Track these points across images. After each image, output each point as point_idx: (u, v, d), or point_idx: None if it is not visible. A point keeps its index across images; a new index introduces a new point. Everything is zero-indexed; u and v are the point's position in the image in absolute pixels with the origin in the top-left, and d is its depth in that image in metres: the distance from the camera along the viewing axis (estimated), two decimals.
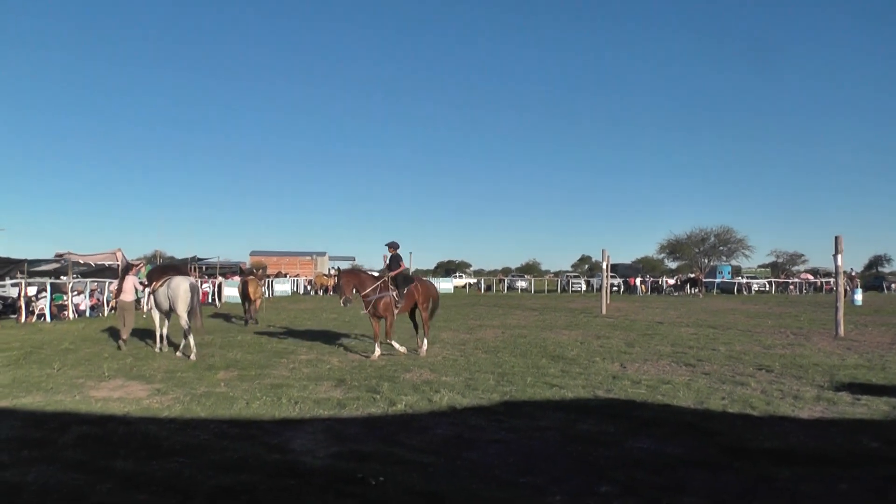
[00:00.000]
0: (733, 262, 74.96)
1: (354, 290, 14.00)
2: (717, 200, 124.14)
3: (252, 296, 23.07)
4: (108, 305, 27.42)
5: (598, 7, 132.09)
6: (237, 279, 40.47)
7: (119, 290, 16.14)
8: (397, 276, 14.36)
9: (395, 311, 14.14)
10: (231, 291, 37.12)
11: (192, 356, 13.38)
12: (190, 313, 14.29)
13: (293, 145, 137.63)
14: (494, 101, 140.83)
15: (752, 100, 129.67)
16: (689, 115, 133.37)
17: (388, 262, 14.42)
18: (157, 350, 14.60)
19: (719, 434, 6.92)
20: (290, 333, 18.19)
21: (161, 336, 14.93)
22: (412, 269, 70.03)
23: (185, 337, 14.11)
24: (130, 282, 16.04)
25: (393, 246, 14.63)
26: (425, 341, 14.18)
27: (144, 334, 16.53)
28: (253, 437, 7.11)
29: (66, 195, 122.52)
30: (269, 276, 25.25)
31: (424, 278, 16.83)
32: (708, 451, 6.28)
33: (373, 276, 14.90)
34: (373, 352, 13.52)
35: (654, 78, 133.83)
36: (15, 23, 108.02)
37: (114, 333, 17.00)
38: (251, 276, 24.30)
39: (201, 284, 35.51)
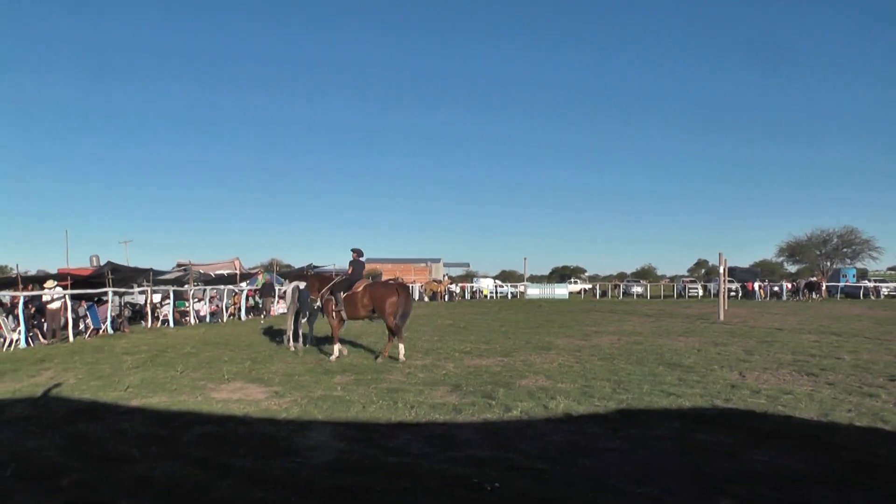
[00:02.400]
0: (858, 265, 71.54)
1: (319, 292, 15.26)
2: (841, 199, 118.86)
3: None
4: (226, 312, 28.57)
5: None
6: None
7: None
8: (337, 283, 15.24)
9: (340, 316, 14.81)
10: None
11: (291, 348, 15.70)
12: (289, 311, 16.47)
13: (406, 155, 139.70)
14: (602, 107, 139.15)
15: (873, 94, 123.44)
16: (809, 113, 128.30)
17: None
18: (291, 349, 15.90)
19: (846, 449, 6.60)
20: (405, 339, 18.41)
21: (289, 337, 16.44)
22: (527, 275, 70.41)
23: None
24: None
25: (356, 252, 15.38)
26: (400, 347, 14.06)
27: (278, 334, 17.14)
28: (369, 439, 7.27)
29: (187, 208, 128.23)
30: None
31: (390, 282, 16.87)
32: (833, 467, 6.02)
33: (331, 279, 15.74)
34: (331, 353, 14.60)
35: (769, 78, 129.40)
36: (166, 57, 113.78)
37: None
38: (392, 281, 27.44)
39: None
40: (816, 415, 8.31)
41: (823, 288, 50.13)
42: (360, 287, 14.82)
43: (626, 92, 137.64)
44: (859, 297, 51.16)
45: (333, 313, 14.72)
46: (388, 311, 14.22)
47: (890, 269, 73.06)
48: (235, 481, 5.78)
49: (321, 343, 16.81)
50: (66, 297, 19.69)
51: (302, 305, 16.60)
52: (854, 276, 61.62)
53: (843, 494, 5.36)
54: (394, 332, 14.33)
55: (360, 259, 15.54)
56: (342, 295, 14.70)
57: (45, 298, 19.49)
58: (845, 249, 75.04)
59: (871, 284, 55.34)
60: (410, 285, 30.44)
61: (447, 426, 7.88)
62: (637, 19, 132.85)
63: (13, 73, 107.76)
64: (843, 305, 40.31)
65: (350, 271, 14.99)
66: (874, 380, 10.96)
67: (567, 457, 6.49)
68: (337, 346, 14.64)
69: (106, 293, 22.11)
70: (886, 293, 53.08)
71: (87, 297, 22.06)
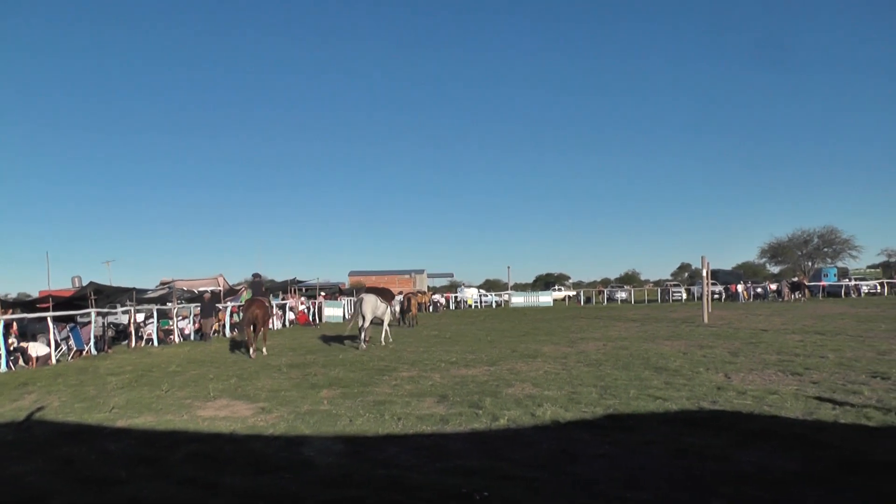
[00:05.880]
0: (839, 264, 72.14)
1: None
2: (821, 200, 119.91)
3: (413, 308, 31.50)
4: (211, 330, 28.34)
5: None
6: (341, 299, 42.00)
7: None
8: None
9: (245, 326, 19.69)
10: (330, 311, 38.14)
11: (362, 347, 19.35)
12: (353, 318, 20.77)
13: (387, 166, 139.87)
14: (582, 114, 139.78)
15: (852, 95, 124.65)
16: (786, 114, 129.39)
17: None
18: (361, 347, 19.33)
19: (832, 447, 6.65)
20: (391, 351, 18.45)
21: (360, 336, 19.81)
22: (511, 283, 70.87)
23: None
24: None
25: (254, 276, 21.80)
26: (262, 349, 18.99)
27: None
28: (358, 453, 7.24)
29: (168, 225, 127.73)
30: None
31: (258, 299, 20.02)
32: (821, 465, 6.05)
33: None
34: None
35: (749, 82, 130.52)
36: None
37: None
38: (412, 294, 33.12)
39: (301, 304, 36.41)
40: (802, 414, 8.36)
41: (804, 287, 50.49)
42: (246, 302, 20.33)
43: (604, 99, 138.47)
44: (841, 296, 51.53)
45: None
46: (245, 320, 19.61)
47: (869, 267, 73.41)
48: (225, 500, 5.74)
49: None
50: (49, 319, 19.50)
51: (358, 314, 20.02)
52: (835, 275, 62.08)
53: (832, 493, 5.39)
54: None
55: (257, 280, 21.69)
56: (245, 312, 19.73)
57: None
58: (826, 249, 75.92)
59: (853, 283, 55.84)
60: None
61: (435, 437, 7.85)
62: (623, 19, 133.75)
63: None
64: (826, 305, 40.59)
65: (241, 291, 21.17)
66: (857, 377, 11.08)
67: (556, 464, 6.48)
68: (252, 348, 18.65)
69: (88, 314, 21.94)
70: (867, 291, 53.62)
71: (70, 319, 21.87)
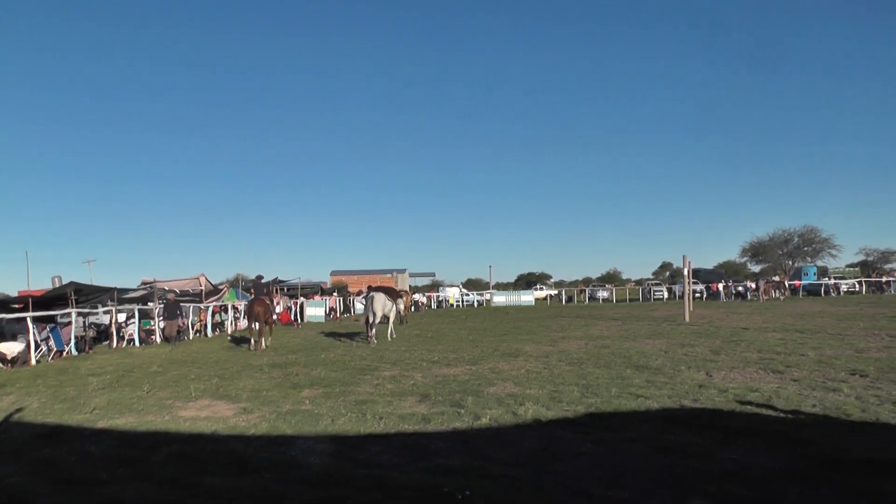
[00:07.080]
0: (819, 263, 72.72)
1: None
2: (801, 199, 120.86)
3: (405, 306, 33.28)
4: (192, 329, 28.07)
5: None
6: (320, 298, 41.99)
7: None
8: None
9: (249, 323, 22.78)
10: (312, 311, 38.18)
11: (372, 342, 20.67)
12: (364, 314, 22.20)
13: (369, 166, 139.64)
14: (563, 115, 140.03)
15: (832, 97, 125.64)
16: (765, 114, 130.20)
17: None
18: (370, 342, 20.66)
19: (813, 444, 6.67)
20: (373, 350, 18.42)
21: (368, 333, 21.28)
22: (492, 282, 71.23)
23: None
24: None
25: (256, 277, 27.16)
26: (262, 341, 20.94)
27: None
28: (339, 452, 7.20)
29: (150, 224, 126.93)
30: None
31: (260, 298, 22.93)
32: (802, 463, 6.07)
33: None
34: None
35: (730, 82, 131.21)
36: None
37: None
38: (402, 291, 34.09)
39: (280, 304, 36.40)
40: (783, 411, 8.38)
41: (783, 286, 50.86)
42: (249, 301, 23.97)
43: (587, 99, 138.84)
44: (821, 295, 51.85)
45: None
46: (248, 318, 22.56)
47: (849, 266, 73.99)
48: (206, 500, 5.69)
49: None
50: (28, 319, 19.27)
51: (369, 311, 21.36)
52: (815, 273, 62.50)
53: (813, 489, 5.40)
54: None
55: (260, 282, 26.10)
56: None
57: None
58: (806, 248, 76.50)
59: (832, 282, 56.20)
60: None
61: (417, 436, 7.82)
62: (607, 22, 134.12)
63: None
64: (806, 303, 40.80)
65: (252, 291, 25.02)
66: (837, 374, 11.15)
67: (538, 462, 6.47)
68: (252, 340, 21.09)
69: (69, 314, 21.72)
70: (846, 290, 53.97)
71: (50, 319, 21.64)
